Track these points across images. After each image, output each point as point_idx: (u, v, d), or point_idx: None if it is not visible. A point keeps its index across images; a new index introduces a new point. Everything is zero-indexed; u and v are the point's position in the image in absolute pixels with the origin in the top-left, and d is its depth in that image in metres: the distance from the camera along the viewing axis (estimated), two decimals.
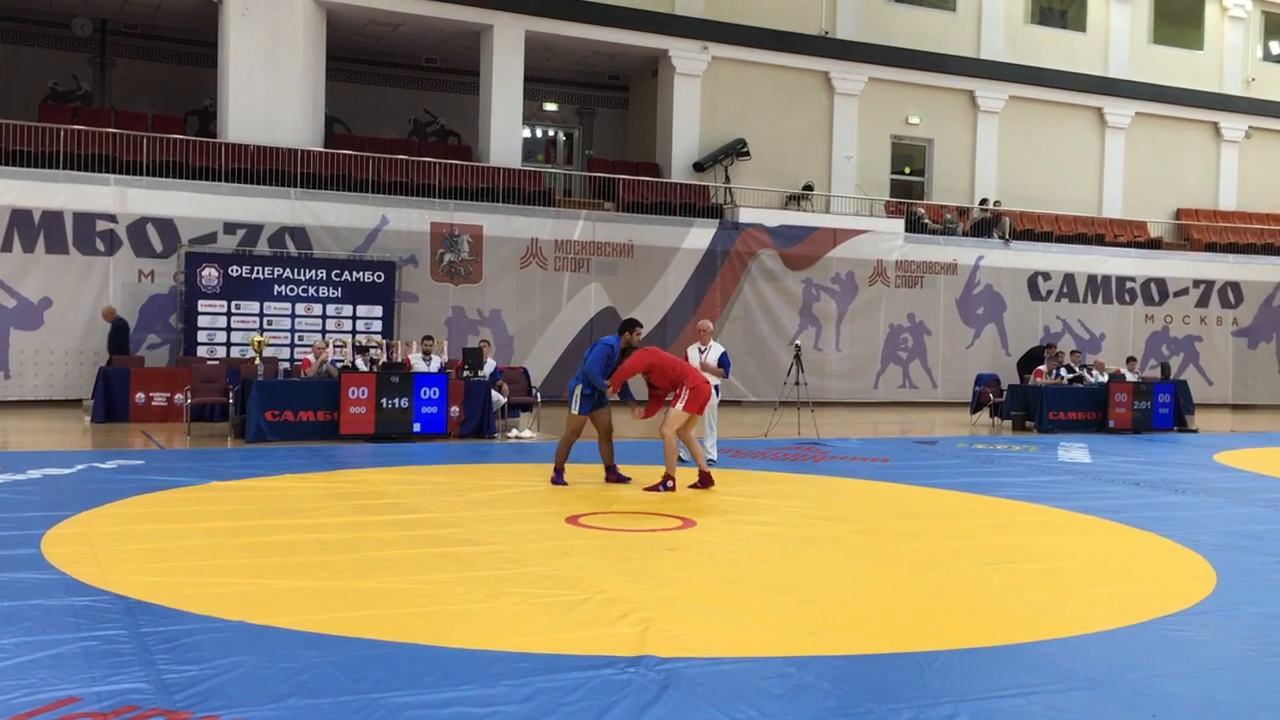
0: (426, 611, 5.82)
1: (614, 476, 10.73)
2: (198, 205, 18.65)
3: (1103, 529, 8.98)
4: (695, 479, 10.49)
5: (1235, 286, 27.35)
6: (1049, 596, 6.58)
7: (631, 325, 10.98)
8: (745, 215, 22.84)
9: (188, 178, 19.01)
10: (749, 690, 4.63)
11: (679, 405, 10.37)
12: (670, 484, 10.24)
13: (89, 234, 18.03)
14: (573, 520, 8.62)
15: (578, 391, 10.53)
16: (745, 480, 11.19)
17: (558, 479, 10.50)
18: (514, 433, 15.39)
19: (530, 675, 4.73)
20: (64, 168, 18.20)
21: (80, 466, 10.82)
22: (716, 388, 11.96)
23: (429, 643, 5.19)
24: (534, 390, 17.16)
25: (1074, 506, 10.03)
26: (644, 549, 7.70)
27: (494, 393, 15.33)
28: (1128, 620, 6.00)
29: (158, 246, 18.39)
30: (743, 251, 22.58)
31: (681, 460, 11.07)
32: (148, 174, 18.78)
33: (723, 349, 12.27)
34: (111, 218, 18.14)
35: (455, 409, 14.73)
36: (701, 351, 12.01)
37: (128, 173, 18.63)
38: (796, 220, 23.38)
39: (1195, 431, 19.04)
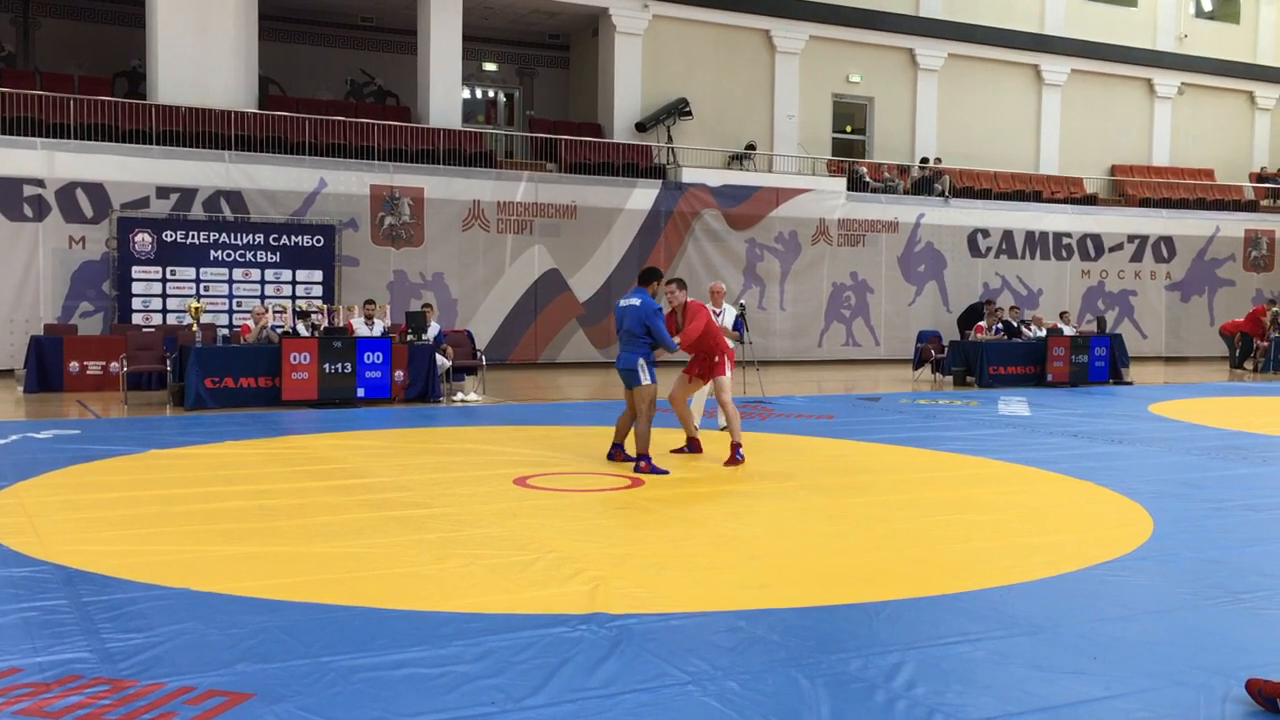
0: (376, 575, 5.78)
1: (622, 454, 9.71)
2: (128, 169, 18.20)
3: (1043, 480, 9.15)
4: (682, 444, 10.28)
5: (1168, 241, 27.86)
6: (992, 546, 6.70)
7: (657, 275, 9.68)
8: (688, 175, 22.80)
9: (118, 141, 18.52)
10: (700, 644, 4.66)
11: (727, 373, 10.09)
12: (742, 454, 9.68)
13: (16, 200, 17.53)
14: (520, 482, 8.60)
15: (642, 363, 9.32)
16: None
17: (653, 468, 9.19)
18: (459, 396, 15.31)
19: (482, 635, 4.72)
20: None
21: (14, 437, 10.58)
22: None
23: (379, 605, 5.16)
24: (479, 353, 17.06)
25: (1015, 458, 10.20)
26: (593, 509, 7.71)
27: (438, 356, 15.21)
28: (1069, 567, 6.12)
29: (88, 212, 17.94)
30: (686, 212, 22.55)
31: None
32: (76, 137, 18.28)
33: (735, 311, 11.84)
34: (39, 183, 17.65)
35: (399, 373, 14.61)
36: (717, 314, 11.37)
37: (55, 136, 18.12)
38: (739, 180, 23.38)
39: (1130, 384, 19.43)
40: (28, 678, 4.14)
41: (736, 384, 16.80)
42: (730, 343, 11.20)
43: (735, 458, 9.68)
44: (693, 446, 10.26)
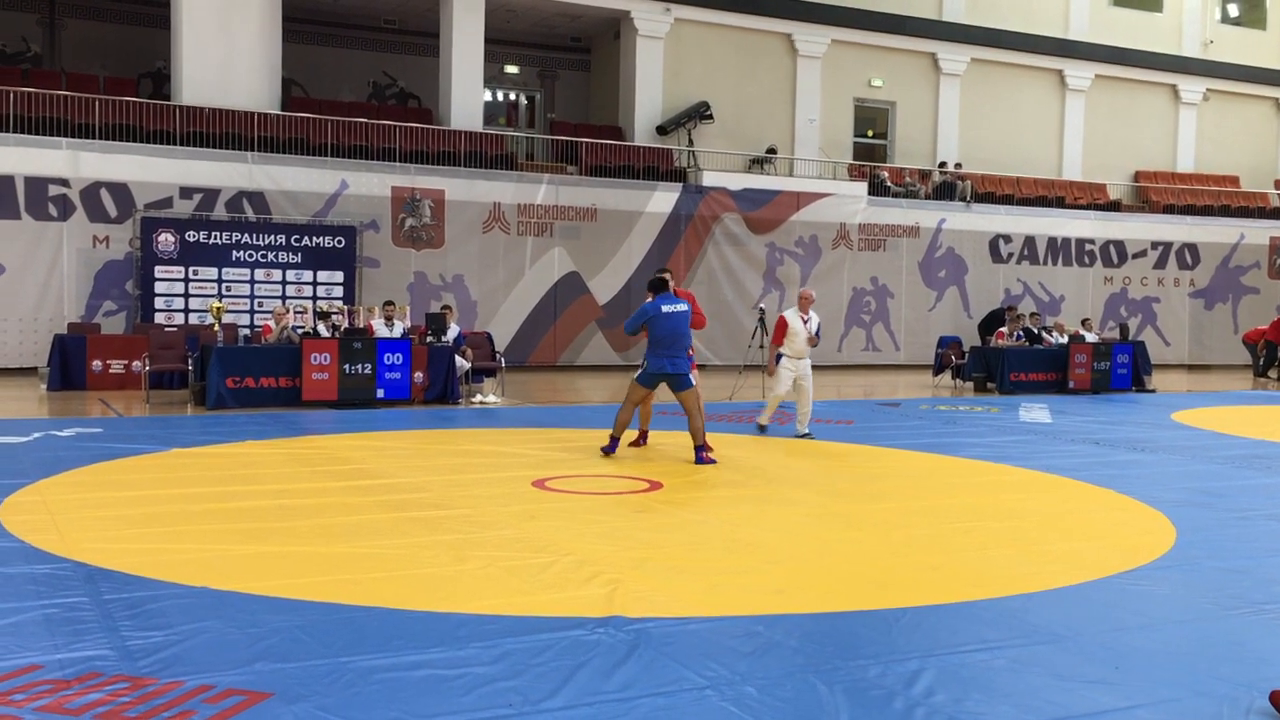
0: (393, 576, 5.79)
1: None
2: (152, 169, 18.32)
3: (1064, 487, 9.09)
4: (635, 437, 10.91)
5: (1192, 248, 27.66)
6: (1012, 553, 6.65)
7: (663, 284, 10.29)
8: (709, 179, 22.78)
9: (142, 141, 18.65)
10: (718, 649, 4.65)
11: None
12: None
13: (41, 199, 17.67)
14: (539, 484, 8.60)
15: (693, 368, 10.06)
16: (711, 443, 11.20)
17: (709, 457, 9.90)
18: (478, 398, 15.33)
19: (499, 637, 4.72)
20: (14, 131, 17.81)
21: (37, 434, 10.65)
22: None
23: (397, 606, 5.17)
24: (498, 355, 17.09)
25: (1035, 465, 10.14)
26: (611, 512, 7.70)
27: (458, 358, 15.24)
28: (1089, 575, 6.08)
29: (112, 211, 18.06)
30: (706, 215, 22.53)
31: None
32: (100, 138, 18.41)
33: (819, 319, 11.94)
34: (64, 182, 17.79)
35: (419, 374, 14.64)
36: (805, 320, 11.63)
37: (80, 136, 18.26)
38: (760, 184, 23.34)
39: (1153, 391, 19.30)
40: (48, 674, 4.16)
41: (755, 388, 16.82)
42: (811, 350, 11.56)
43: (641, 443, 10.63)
44: (643, 439, 10.87)
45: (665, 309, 9.89)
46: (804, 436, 11.75)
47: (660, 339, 9.89)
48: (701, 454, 9.88)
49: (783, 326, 11.65)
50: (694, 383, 9.97)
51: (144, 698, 3.95)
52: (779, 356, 11.76)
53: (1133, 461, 10.60)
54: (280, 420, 12.47)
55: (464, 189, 20.57)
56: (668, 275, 10.34)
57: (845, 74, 26.24)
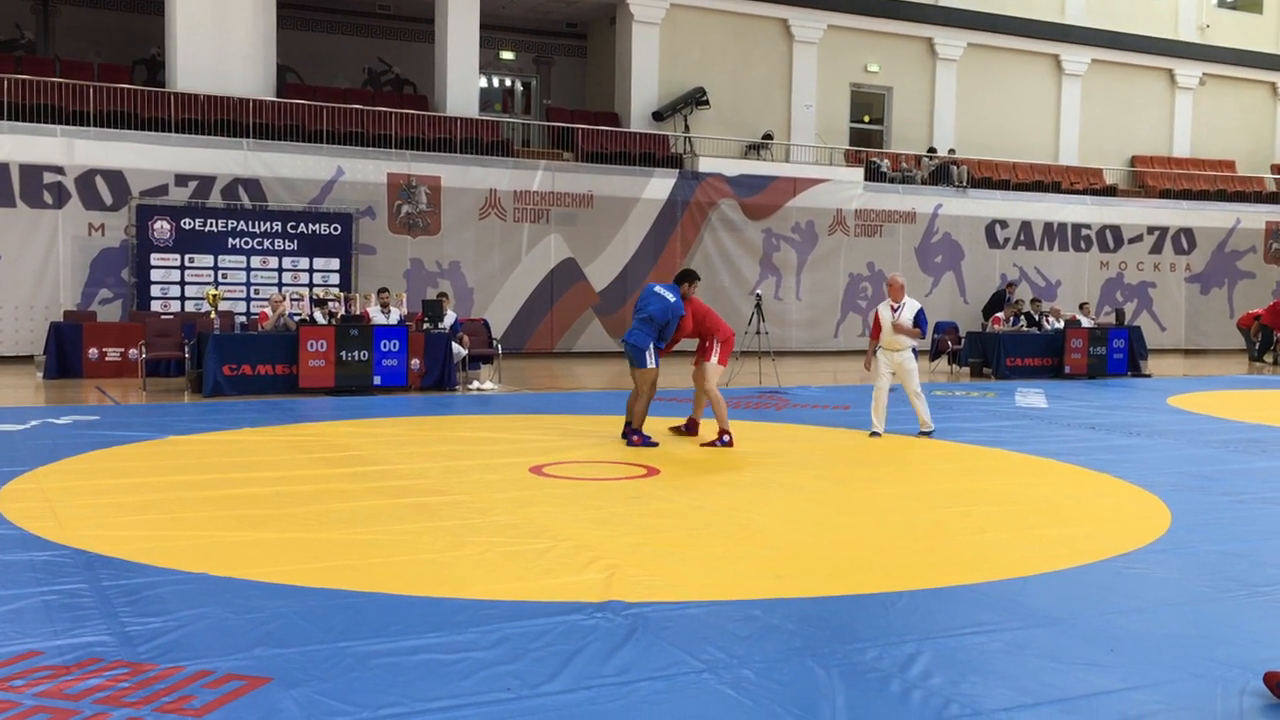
0: (392, 561, 5.81)
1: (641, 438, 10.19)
2: (148, 157, 18.26)
3: (1060, 471, 9.12)
4: (682, 424, 10.86)
5: (1188, 233, 27.67)
6: (1008, 537, 6.68)
7: (691, 277, 10.48)
8: (705, 165, 22.75)
9: (137, 128, 18.60)
10: (715, 632, 4.67)
11: (713, 359, 10.41)
12: (728, 438, 9.97)
13: (36, 187, 17.62)
14: (536, 470, 8.62)
15: (651, 347, 10.03)
16: (708, 429, 11.21)
17: (644, 440, 9.96)
18: (475, 385, 15.34)
19: (498, 622, 4.74)
20: (8, 119, 17.74)
21: (34, 422, 10.65)
22: (914, 349, 11.25)
23: (395, 592, 5.18)
24: (495, 342, 17.09)
25: (1031, 450, 10.17)
26: (608, 497, 7.72)
27: (454, 345, 15.24)
28: (1085, 559, 6.11)
29: (107, 199, 18.02)
30: (703, 201, 22.50)
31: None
32: (95, 125, 18.35)
33: (919, 306, 11.11)
34: (59, 170, 17.73)
35: (416, 361, 14.64)
36: (895, 309, 10.99)
37: (74, 124, 18.20)
38: (756, 170, 23.31)
39: (1149, 376, 19.33)
40: (48, 660, 4.17)
41: (752, 374, 16.84)
42: (908, 340, 10.97)
43: (720, 441, 10.05)
44: (690, 429, 10.74)
45: (655, 288, 10.35)
46: (924, 435, 10.96)
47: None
48: (631, 437, 10.03)
49: (876, 321, 11.19)
50: (649, 364, 10.02)
51: (143, 683, 3.97)
52: (877, 350, 11.22)
53: (1128, 446, 10.63)
54: (277, 407, 12.47)
55: (460, 175, 20.54)
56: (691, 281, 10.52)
57: (841, 59, 26.18)
